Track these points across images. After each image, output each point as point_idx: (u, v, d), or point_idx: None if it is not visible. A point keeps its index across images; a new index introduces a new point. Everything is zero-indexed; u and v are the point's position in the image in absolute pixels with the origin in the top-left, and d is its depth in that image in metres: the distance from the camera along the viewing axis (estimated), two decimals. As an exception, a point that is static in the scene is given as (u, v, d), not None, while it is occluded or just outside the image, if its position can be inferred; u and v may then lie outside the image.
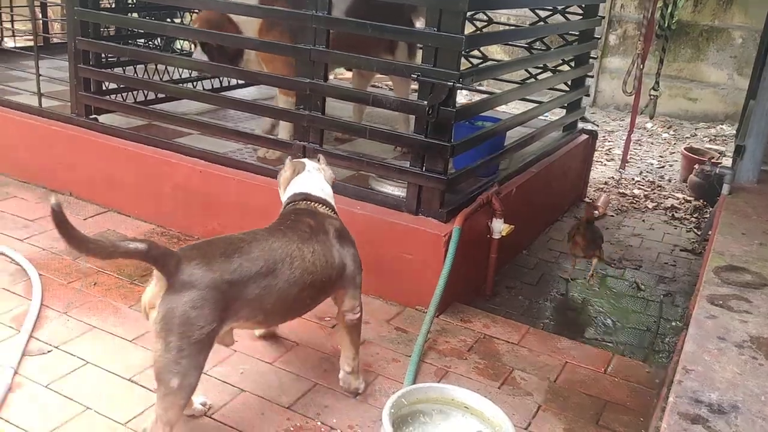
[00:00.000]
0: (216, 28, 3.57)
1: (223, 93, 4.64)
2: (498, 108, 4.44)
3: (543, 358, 2.91)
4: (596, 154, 5.78)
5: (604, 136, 7.16)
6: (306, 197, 2.45)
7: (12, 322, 2.81)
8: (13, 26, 6.07)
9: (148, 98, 4.23)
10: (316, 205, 2.44)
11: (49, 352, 2.65)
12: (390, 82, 6.23)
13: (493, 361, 2.86)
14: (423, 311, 3.11)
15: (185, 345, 1.94)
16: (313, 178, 2.52)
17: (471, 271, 3.36)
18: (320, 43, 3.17)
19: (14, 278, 3.14)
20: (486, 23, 5.06)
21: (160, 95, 4.26)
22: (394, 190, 3.32)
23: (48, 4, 5.64)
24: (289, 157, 2.73)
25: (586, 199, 5.13)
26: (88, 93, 3.97)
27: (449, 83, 2.88)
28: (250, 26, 3.63)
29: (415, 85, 3.53)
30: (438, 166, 3.06)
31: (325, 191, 2.52)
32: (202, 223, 3.65)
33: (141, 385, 2.49)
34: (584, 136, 4.94)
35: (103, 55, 4.08)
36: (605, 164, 6.29)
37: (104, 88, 4.11)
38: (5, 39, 6.29)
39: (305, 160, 2.63)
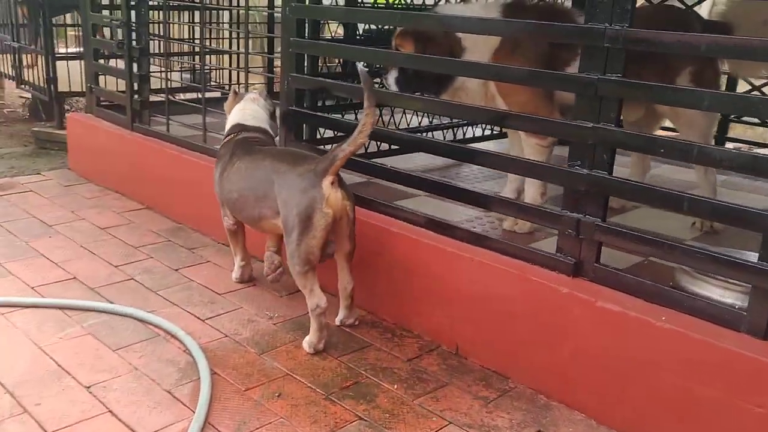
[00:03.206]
0: (428, 45, 2.71)
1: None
2: None
3: None
4: None
5: None
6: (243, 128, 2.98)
7: (164, 446, 2.03)
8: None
9: (368, 151, 3.46)
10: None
11: (199, 508, 1.81)
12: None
13: None
14: (775, 501, 1.88)
15: None
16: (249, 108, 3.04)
17: None
18: (613, 71, 2.15)
19: (182, 376, 2.39)
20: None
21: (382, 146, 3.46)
22: (723, 294, 2.15)
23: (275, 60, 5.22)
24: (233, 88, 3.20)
25: None
26: (299, 141, 3.26)
27: None
28: (482, 46, 2.71)
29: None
30: (811, 261, 1.86)
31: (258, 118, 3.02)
32: (426, 315, 2.71)
33: None
34: None
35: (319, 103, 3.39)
36: None
37: (319, 136, 3.40)
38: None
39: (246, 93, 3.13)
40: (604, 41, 2.14)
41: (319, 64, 3.75)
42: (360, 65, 2.41)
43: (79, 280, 3.10)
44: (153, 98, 4.28)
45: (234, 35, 5.88)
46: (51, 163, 5.11)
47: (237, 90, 3.17)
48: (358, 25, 4.53)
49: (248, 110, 3.02)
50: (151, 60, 4.72)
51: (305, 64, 3.19)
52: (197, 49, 3.94)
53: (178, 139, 3.96)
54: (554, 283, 2.32)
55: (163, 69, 4.41)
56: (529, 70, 2.47)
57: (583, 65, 2.23)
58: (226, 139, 2.99)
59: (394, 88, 2.80)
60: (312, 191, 2.46)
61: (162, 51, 4.31)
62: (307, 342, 2.59)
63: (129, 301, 2.93)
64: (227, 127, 3.06)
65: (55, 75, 5.41)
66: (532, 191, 2.80)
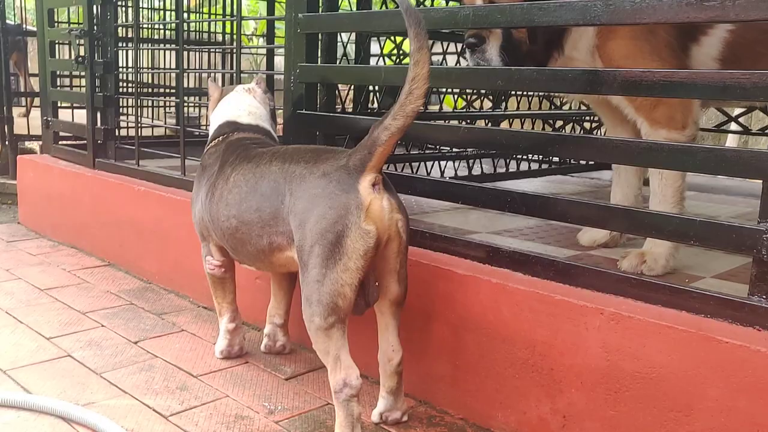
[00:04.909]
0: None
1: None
2: None
3: None
4: None
5: None
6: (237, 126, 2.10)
7: None
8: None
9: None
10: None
11: None
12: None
13: None
14: None
15: None
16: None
17: None
18: None
19: None
20: None
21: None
22: None
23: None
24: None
25: None
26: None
27: None
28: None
29: None
30: None
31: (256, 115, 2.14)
32: (518, 405, 1.72)
33: None
34: None
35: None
36: None
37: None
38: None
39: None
40: None
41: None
42: None
43: (-11, 359, 2.11)
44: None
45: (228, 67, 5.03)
46: (-1, 218, 4.17)
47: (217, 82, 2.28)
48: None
49: (243, 103, 2.12)
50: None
51: (319, 49, 2.29)
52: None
53: (149, 172, 3.04)
54: (764, 346, 1.35)
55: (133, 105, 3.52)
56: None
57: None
58: (213, 143, 2.08)
59: (497, 62, 1.88)
60: (342, 197, 1.54)
61: (133, 72, 3.45)
62: None
63: (56, 388, 1.93)
64: (212, 128, 2.15)
65: (11, 114, 4.52)
66: (668, 201, 1.87)
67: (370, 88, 3.73)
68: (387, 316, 1.71)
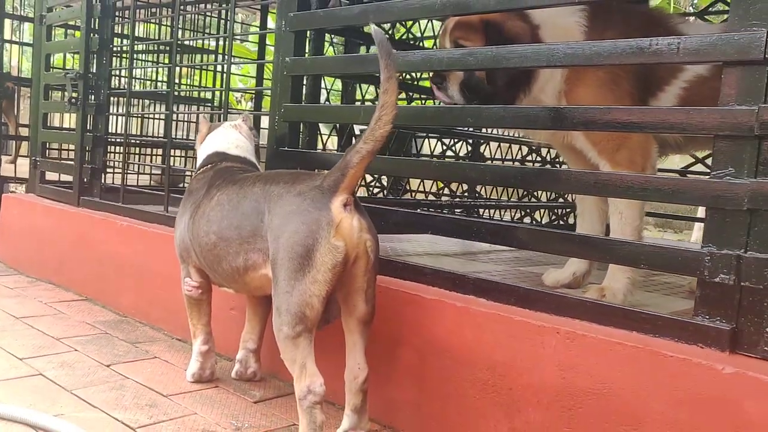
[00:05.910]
0: (493, 35, 2.00)
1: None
2: None
3: None
4: None
5: None
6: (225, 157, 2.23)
7: None
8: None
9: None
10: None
11: None
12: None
13: None
14: None
15: None
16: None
17: None
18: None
19: None
20: None
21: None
22: None
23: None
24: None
25: None
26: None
27: None
28: (562, 27, 2.02)
29: None
30: None
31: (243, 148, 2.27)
32: (482, 426, 1.78)
33: None
34: None
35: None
36: None
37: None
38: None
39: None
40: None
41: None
42: (374, 25, 1.66)
43: (-39, 374, 2.14)
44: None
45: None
46: (-22, 256, 4.19)
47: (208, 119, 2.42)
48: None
49: (231, 137, 2.26)
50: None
51: (303, 91, 2.43)
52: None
53: (132, 209, 3.12)
54: (705, 359, 1.44)
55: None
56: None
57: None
58: (201, 170, 2.20)
59: (458, 99, 2.04)
60: (314, 213, 1.64)
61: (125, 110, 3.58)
62: None
63: (26, 402, 1.95)
64: (200, 158, 2.27)
65: (-1, 156, 4.62)
66: (629, 232, 1.99)
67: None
68: (355, 335, 1.78)
